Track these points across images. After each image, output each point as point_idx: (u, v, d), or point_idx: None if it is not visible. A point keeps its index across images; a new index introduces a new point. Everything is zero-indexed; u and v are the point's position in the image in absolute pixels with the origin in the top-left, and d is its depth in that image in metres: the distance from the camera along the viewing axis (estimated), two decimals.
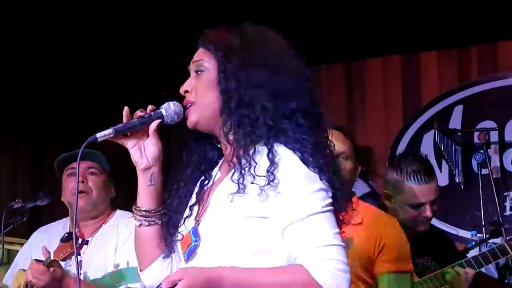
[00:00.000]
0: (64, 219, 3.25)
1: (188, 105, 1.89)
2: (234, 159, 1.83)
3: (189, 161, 1.98)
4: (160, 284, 1.71)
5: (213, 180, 1.95)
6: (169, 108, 1.89)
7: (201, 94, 1.89)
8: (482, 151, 4.97)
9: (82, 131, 5.16)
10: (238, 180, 1.79)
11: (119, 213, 3.18)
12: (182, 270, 1.74)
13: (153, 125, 1.89)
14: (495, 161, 5.10)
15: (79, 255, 2.86)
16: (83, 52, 5.13)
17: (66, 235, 2.81)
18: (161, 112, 1.89)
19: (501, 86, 5.20)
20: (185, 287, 1.68)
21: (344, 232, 1.86)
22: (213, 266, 1.76)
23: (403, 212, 3.21)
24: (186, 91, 1.91)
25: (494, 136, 5.08)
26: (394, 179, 3.23)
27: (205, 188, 1.95)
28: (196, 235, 1.86)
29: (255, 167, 1.79)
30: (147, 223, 1.94)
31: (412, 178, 3.18)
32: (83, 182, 3.12)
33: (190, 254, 1.86)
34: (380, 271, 2.86)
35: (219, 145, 1.95)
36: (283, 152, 1.79)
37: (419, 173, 3.20)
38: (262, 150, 1.82)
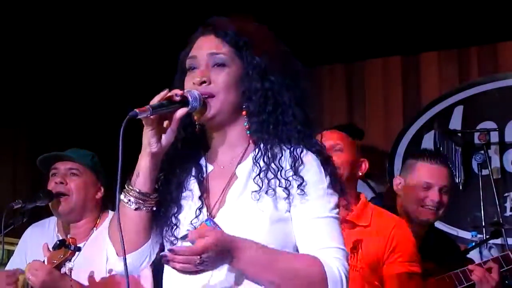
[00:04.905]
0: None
1: (206, 96, 1.86)
2: (261, 160, 1.86)
3: (178, 150, 1.93)
4: (186, 234, 1.69)
5: (206, 172, 1.94)
6: (194, 96, 1.84)
7: (224, 89, 1.87)
8: (482, 151, 4.96)
9: (82, 132, 5.18)
10: (264, 183, 1.83)
11: (112, 216, 3.13)
12: (211, 229, 1.72)
13: (180, 112, 1.82)
14: (495, 162, 5.10)
15: (70, 261, 2.83)
16: (83, 55, 5.12)
17: (58, 242, 2.79)
18: (188, 99, 1.83)
19: (501, 86, 5.19)
20: (207, 243, 1.65)
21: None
22: (237, 236, 1.76)
23: (411, 195, 3.23)
24: (204, 82, 1.87)
25: (494, 137, 5.07)
26: (408, 163, 3.36)
27: (201, 178, 1.93)
28: (217, 228, 1.84)
29: (281, 171, 1.84)
30: (145, 208, 1.87)
31: (426, 158, 3.29)
32: (62, 183, 3.09)
33: None
34: (390, 272, 2.85)
35: (198, 134, 1.94)
36: (306, 158, 1.86)
37: (434, 155, 3.34)
38: (286, 152, 1.87)
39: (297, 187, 1.83)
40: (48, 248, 2.82)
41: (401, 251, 2.86)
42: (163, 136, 1.84)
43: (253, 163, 1.88)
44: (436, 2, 4.85)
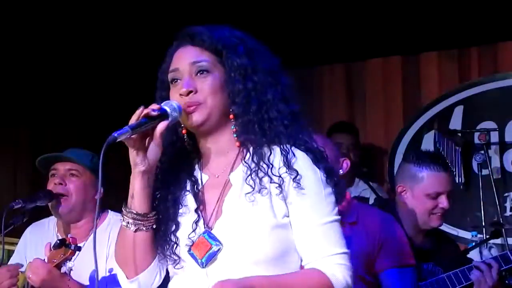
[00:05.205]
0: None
1: (193, 106, 1.86)
2: (250, 160, 1.86)
3: (171, 167, 1.93)
4: None
5: (201, 183, 1.93)
6: (172, 106, 1.84)
7: (211, 95, 1.86)
8: (482, 151, 4.96)
9: (82, 131, 5.18)
10: (256, 182, 1.83)
11: (111, 217, 3.13)
12: (220, 283, 1.72)
13: (161, 126, 1.82)
14: (495, 162, 5.10)
15: (70, 260, 2.83)
16: (83, 52, 5.13)
17: (58, 241, 2.79)
18: (167, 111, 1.83)
19: (501, 86, 5.19)
20: None
21: None
22: (243, 276, 1.77)
23: (420, 204, 3.22)
24: (190, 91, 1.86)
25: (494, 137, 5.08)
26: (411, 171, 3.26)
27: (197, 191, 1.92)
28: (215, 240, 1.84)
29: (272, 168, 1.83)
30: (144, 228, 1.87)
31: (431, 167, 3.23)
32: (61, 184, 3.09)
33: (210, 258, 1.84)
34: (383, 267, 2.86)
35: (188, 147, 1.94)
36: (298, 155, 1.85)
37: (437, 162, 3.27)
38: (275, 150, 1.86)
39: (292, 180, 1.82)
40: (50, 248, 2.82)
41: (392, 245, 2.87)
42: (149, 153, 1.84)
43: (243, 165, 1.87)
44: (436, 2, 4.84)
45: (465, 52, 5.37)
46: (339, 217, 1.87)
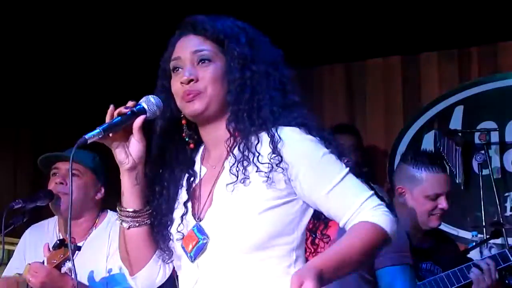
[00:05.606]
0: (55, 216, 3.24)
1: (192, 94, 1.86)
2: (236, 149, 1.85)
3: (168, 161, 1.94)
4: None
5: (200, 176, 1.93)
6: (149, 102, 1.86)
7: (212, 83, 1.86)
8: (482, 151, 4.96)
9: (82, 131, 5.18)
10: (240, 171, 1.81)
11: (110, 216, 3.15)
12: (295, 277, 1.64)
13: (138, 121, 1.84)
14: (495, 162, 5.10)
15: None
16: (84, 52, 5.13)
17: (58, 242, 2.80)
18: (143, 106, 1.85)
19: (501, 86, 5.19)
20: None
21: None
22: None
23: (419, 206, 3.23)
24: (191, 80, 1.86)
25: (494, 137, 5.08)
26: (410, 173, 3.26)
27: (193, 184, 1.93)
28: (202, 233, 1.85)
29: (258, 156, 1.82)
30: (137, 224, 1.89)
31: (429, 169, 3.23)
32: (62, 183, 3.10)
33: (198, 252, 1.85)
34: (382, 265, 2.87)
35: (187, 139, 1.94)
36: (284, 134, 1.83)
37: (436, 163, 3.27)
38: (262, 137, 1.84)
39: (276, 165, 1.80)
40: (49, 248, 2.83)
41: (393, 244, 2.87)
42: (131, 150, 1.86)
43: (227, 153, 1.87)
44: (436, 2, 4.85)
45: (465, 52, 5.36)
46: (347, 168, 1.84)
